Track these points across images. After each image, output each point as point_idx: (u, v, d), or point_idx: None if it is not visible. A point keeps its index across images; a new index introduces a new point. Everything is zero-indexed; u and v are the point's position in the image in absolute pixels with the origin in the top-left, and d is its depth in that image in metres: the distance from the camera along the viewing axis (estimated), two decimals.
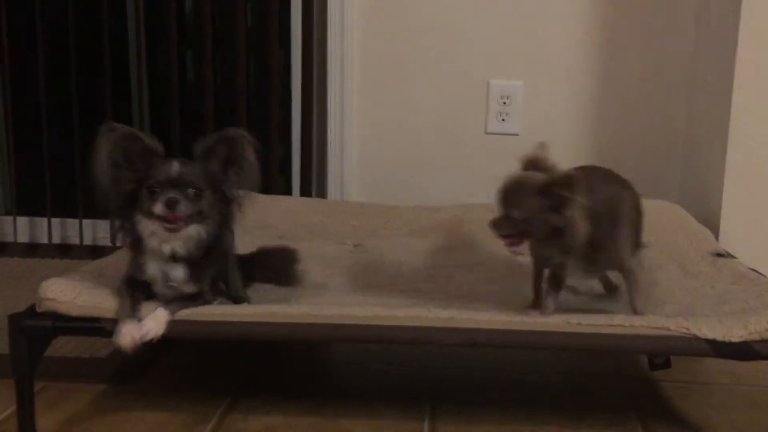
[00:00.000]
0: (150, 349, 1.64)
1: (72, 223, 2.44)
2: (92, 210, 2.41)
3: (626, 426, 1.37)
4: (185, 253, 1.25)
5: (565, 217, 1.21)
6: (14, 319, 1.20)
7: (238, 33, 2.23)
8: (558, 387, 1.58)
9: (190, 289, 1.28)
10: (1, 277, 2.20)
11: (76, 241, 2.43)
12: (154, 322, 1.19)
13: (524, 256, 1.40)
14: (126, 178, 1.23)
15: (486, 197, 2.15)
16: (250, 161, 1.25)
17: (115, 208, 1.26)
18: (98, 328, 1.21)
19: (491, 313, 1.23)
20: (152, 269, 1.26)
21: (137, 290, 1.26)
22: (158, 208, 1.20)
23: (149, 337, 1.19)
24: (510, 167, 2.23)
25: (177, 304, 1.24)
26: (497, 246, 1.77)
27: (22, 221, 2.45)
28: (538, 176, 1.27)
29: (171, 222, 1.20)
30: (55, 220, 2.42)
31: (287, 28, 2.28)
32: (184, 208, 1.20)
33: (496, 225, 1.28)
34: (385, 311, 1.24)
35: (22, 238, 2.44)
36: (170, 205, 1.19)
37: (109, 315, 1.20)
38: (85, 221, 2.40)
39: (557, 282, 1.35)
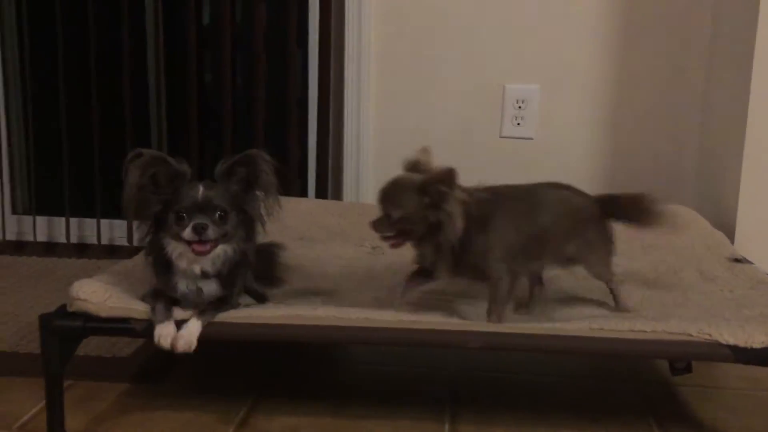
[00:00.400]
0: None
1: (89, 223, 2.47)
2: (110, 210, 2.44)
3: (643, 430, 1.39)
4: (214, 271, 1.29)
5: (443, 212, 1.23)
6: (45, 319, 1.22)
7: (256, 35, 2.26)
8: (575, 390, 1.60)
9: (218, 294, 1.31)
10: (20, 276, 2.23)
11: (93, 240, 2.46)
12: (188, 334, 1.22)
13: None
14: (153, 201, 1.26)
15: None
16: (269, 181, 1.28)
17: (143, 229, 1.29)
18: (128, 328, 1.23)
19: (512, 317, 1.25)
20: (183, 287, 1.29)
21: (166, 298, 1.28)
22: (187, 233, 1.22)
23: (184, 349, 1.21)
24: (525, 171, 2.27)
25: (209, 313, 1.26)
26: None
27: (41, 221, 2.47)
28: (416, 176, 1.30)
29: (200, 246, 1.23)
30: (72, 220, 2.45)
31: (305, 30, 2.30)
32: (211, 232, 1.23)
33: (376, 226, 1.29)
34: (408, 316, 1.26)
35: (41, 237, 2.47)
36: (199, 230, 1.22)
37: (139, 316, 1.22)
38: (102, 221, 2.42)
39: (423, 276, 1.36)
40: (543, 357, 1.68)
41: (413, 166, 1.33)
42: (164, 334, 1.20)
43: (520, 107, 2.25)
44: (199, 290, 1.29)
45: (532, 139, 2.26)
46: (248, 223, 1.31)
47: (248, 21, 2.33)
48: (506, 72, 2.25)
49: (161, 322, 1.21)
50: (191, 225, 1.22)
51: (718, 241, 1.73)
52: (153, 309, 1.24)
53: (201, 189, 1.25)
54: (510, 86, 2.24)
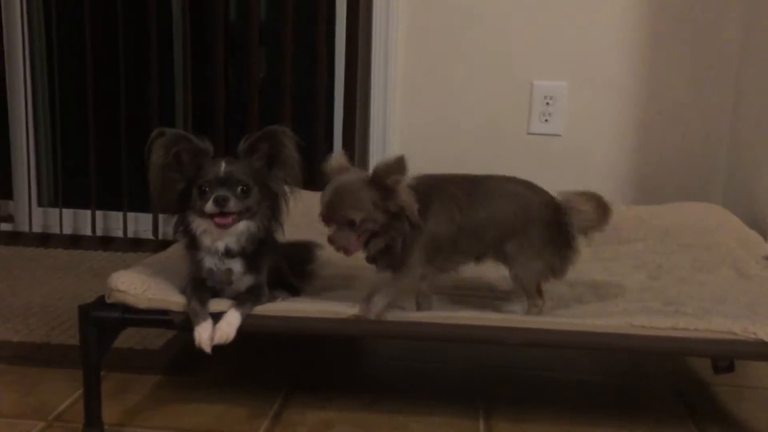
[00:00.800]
0: None
1: (115, 216, 2.48)
2: (135, 203, 2.44)
3: (681, 429, 1.38)
4: (238, 248, 1.28)
5: (399, 199, 1.19)
6: (84, 310, 1.22)
7: (284, 28, 2.25)
8: (609, 387, 1.59)
9: (248, 282, 1.30)
10: (47, 268, 2.24)
11: (118, 233, 2.47)
12: (226, 326, 1.21)
13: None
14: (177, 179, 1.27)
15: None
16: (291, 156, 1.28)
17: (169, 208, 1.30)
18: (166, 320, 1.23)
19: (551, 313, 1.24)
20: (209, 264, 1.29)
21: (203, 290, 1.28)
22: (209, 206, 1.23)
23: (222, 341, 1.21)
24: (552, 168, 2.26)
25: (247, 305, 1.25)
26: None
27: (67, 213, 2.48)
28: (356, 174, 1.25)
29: (222, 219, 1.23)
30: (98, 213, 2.46)
31: (332, 24, 2.30)
32: (233, 204, 1.23)
33: (339, 238, 1.21)
34: (445, 312, 1.26)
35: (67, 230, 2.48)
36: (220, 202, 1.22)
37: (177, 308, 1.23)
38: (128, 214, 2.43)
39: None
40: (576, 354, 1.67)
41: (339, 171, 1.26)
42: (204, 337, 1.21)
43: (548, 104, 2.24)
44: (228, 271, 1.28)
45: (559, 135, 2.25)
46: (273, 201, 1.31)
47: (275, 15, 2.33)
48: (534, 68, 2.23)
49: (199, 323, 1.21)
50: (212, 198, 1.22)
51: (752, 240, 1.71)
52: (190, 305, 1.23)
53: (223, 164, 1.25)
54: (538, 83, 2.23)
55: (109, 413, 1.32)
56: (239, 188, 1.24)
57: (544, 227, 1.31)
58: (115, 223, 2.48)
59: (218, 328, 1.21)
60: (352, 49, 2.24)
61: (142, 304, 1.23)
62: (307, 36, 2.26)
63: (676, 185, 2.21)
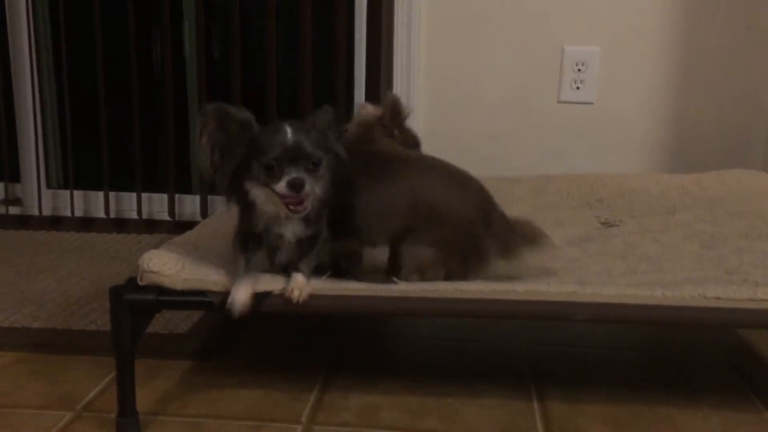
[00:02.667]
0: (231, 324, 1.61)
1: (127, 197, 2.39)
2: (149, 183, 2.35)
3: (747, 406, 1.30)
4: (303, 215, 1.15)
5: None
6: (116, 293, 1.13)
7: (302, 8, 2.15)
8: (663, 364, 1.51)
9: (308, 232, 1.18)
10: (60, 252, 2.15)
11: (131, 215, 2.38)
12: (304, 284, 1.14)
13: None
14: (231, 155, 1.13)
15: (561, 167, 2.10)
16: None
17: (226, 186, 1.15)
18: (204, 302, 1.14)
19: (616, 287, 1.15)
20: (268, 224, 1.16)
21: (253, 246, 1.18)
22: (281, 188, 1.09)
23: (297, 299, 1.13)
24: (584, 138, 2.17)
25: (306, 262, 1.17)
26: (585, 218, 1.72)
27: (78, 195, 2.39)
28: None
29: (296, 205, 1.10)
30: (111, 194, 2.37)
31: None
32: (309, 187, 1.09)
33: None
34: (501, 286, 1.17)
35: (78, 212, 2.39)
36: (296, 187, 1.08)
37: (216, 288, 1.14)
38: (142, 194, 2.34)
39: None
40: (621, 330, 1.60)
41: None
42: (239, 299, 1.11)
43: (579, 70, 2.14)
44: (280, 237, 1.16)
45: (592, 104, 2.16)
46: (336, 163, 1.17)
47: None
48: (565, 33, 2.13)
49: (240, 284, 1.12)
50: (286, 180, 1.08)
51: None
52: (236, 257, 1.15)
53: (289, 132, 1.10)
54: (569, 48, 2.13)
55: (140, 402, 1.23)
56: (311, 162, 1.10)
57: (454, 230, 1.22)
58: (128, 204, 2.40)
59: (296, 287, 1.13)
60: (374, 16, 2.13)
61: (178, 285, 1.13)
62: (326, 7, 2.15)
63: (715, 153, 2.13)
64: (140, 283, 1.15)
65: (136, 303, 1.14)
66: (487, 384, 1.37)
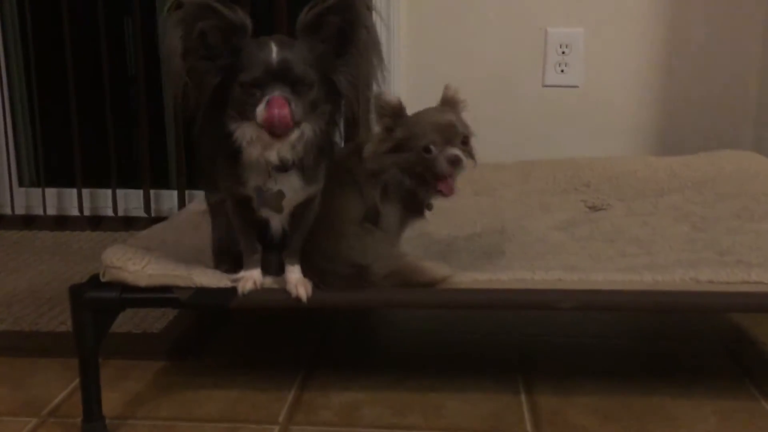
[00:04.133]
0: (207, 321, 1.55)
1: (102, 194, 2.32)
2: (125, 179, 2.29)
3: (742, 393, 1.25)
4: (295, 159, 0.99)
5: None
6: (76, 291, 1.07)
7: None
8: (654, 352, 1.46)
9: (308, 192, 1.05)
10: (33, 251, 2.08)
11: (107, 212, 2.31)
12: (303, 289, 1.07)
13: None
14: (207, 71, 0.95)
15: (547, 152, 2.04)
16: (371, 39, 0.95)
17: (198, 111, 0.98)
18: (171, 299, 1.08)
19: (605, 273, 1.10)
20: (257, 182, 1.01)
21: (248, 226, 1.08)
22: (260, 112, 0.92)
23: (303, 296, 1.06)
24: (570, 123, 2.11)
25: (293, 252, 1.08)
26: (571, 202, 1.67)
27: (51, 193, 2.32)
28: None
29: (279, 128, 0.93)
30: (85, 191, 2.29)
31: None
32: (294, 111, 0.92)
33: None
34: (484, 275, 1.11)
35: (51, 210, 2.32)
36: (278, 105, 0.91)
37: (183, 283, 1.07)
38: (117, 191, 2.27)
39: None
40: (609, 317, 1.54)
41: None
42: (249, 288, 1.05)
43: (563, 53, 2.08)
44: (279, 194, 1.02)
45: (577, 87, 2.10)
46: (335, 100, 1.00)
47: None
48: (548, 14, 2.07)
49: (250, 267, 1.06)
50: (265, 100, 0.92)
51: None
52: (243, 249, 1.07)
53: (275, 49, 0.93)
54: (552, 30, 2.07)
55: (109, 405, 1.18)
56: (299, 84, 0.94)
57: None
58: (103, 201, 2.33)
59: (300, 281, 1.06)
60: None
61: (143, 282, 1.07)
62: None
63: (703, 135, 2.08)
64: (103, 280, 1.08)
65: (98, 301, 1.07)
66: (472, 377, 1.32)
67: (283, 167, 0.99)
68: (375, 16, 0.99)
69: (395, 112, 1.12)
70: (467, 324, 1.55)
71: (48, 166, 2.28)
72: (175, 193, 2.27)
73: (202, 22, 0.93)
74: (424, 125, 1.12)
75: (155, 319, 1.56)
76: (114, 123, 2.22)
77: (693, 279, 1.06)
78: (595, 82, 2.09)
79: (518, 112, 2.12)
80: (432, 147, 1.10)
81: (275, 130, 0.93)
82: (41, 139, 2.27)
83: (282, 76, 0.93)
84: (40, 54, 2.23)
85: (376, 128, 1.13)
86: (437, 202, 1.21)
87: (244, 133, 0.97)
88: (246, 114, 0.95)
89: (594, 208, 1.61)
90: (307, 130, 0.98)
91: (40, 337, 1.49)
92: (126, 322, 1.52)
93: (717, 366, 1.38)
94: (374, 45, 0.98)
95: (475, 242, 1.45)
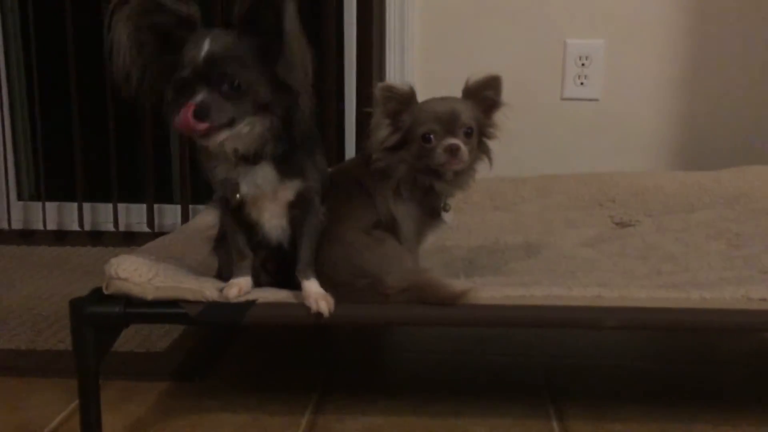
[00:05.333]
0: (214, 340, 1.46)
1: (103, 209, 2.25)
2: (126, 193, 2.21)
3: None
4: (249, 151, 0.97)
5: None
6: (77, 306, 0.99)
7: None
8: (687, 375, 1.37)
9: (295, 187, 1.01)
10: (31, 267, 2.00)
11: (108, 227, 2.24)
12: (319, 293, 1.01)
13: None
14: (153, 64, 0.94)
15: (566, 167, 1.97)
16: (290, 31, 0.91)
17: (152, 102, 0.97)
18: (179, 314, 0.99)
19: (647, 290, 1.02)
20: (223, 173, 0.99)
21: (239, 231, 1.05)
22: (183, 114, 0.90)
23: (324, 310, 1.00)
24: (589, 137, 2.05)
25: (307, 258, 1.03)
26: (597, 218, 1.59)
27: (51, 207, 2.24)
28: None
29: (192, 135, 0.92)
30: (85, 205, 2.22)
31: None
32: (214, 115, 0.90)
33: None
34: (515, 291, 1.04)
35: (51, 225, 2.24)
36: (199, 115, 0.89)
37: (193, 297, 0.99)
38: (119, 205, 2.19)
39: None
40: (643, 339, 1.46)
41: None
42: (233, 295, 1.00)
43: (583, 65, 2.02)
44: (235, 185, 0.98)
45: (597, 100, 2.04)
46: (288, 92, 0.96)
47: None
48: (567, 25, 2.01)
49: (239, 275, 1.02)
50: (190, 106, 0.89)
51: None
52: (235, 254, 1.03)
53: (207, 43, 0.90)
54: (572, 41, 2.01)
55: (109, 429, 1.10)
56: (227, 84, 0.91)
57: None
58: (104, 215, 2.25)
59: (321, 296, 1.00)
60: (365, 16, 2.00)
61: (149, 295, 0.99)
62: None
63: (727, 150, 2.01)
64: (106, 292, 1.00)
65: (100, 316, 0.99)
66: (499, 401, 1.23)
67: (249, 159, 0.97)
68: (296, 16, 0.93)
69: (405, 99, 1.10)
70: (491, 344, 1.47)
71: (48, 179, 2.20)
72: (178, 207, 2.19)
73: (150, 17, 0.92)
74: (425, 113, 1.09)
75: (159, 338, 1.47)
76: (116, 135, 2.15)
77: (744, 297, 0.98)
78: (616, 95, 2.03)
79: (536, 125, 2.05)
80: (431, 136, 1.06)
81: (192, 135, 0.92)
82: (42, 152, 2.20)
83: (207, 72, 0.91)
84: (42, 67, 2.17)
85: (378, 116, 1.09)
86: (456, 219, 1.15)
87: None
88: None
89: (622, 224, 1.54)
90: (257, 124, 0.95)
91: (37, 355, 1.41)
92: (128, 340, 1.44)
93: (763, 392, 1.29)
94: (294, 32, 0.92)
95: (499, 258, 1.38)
